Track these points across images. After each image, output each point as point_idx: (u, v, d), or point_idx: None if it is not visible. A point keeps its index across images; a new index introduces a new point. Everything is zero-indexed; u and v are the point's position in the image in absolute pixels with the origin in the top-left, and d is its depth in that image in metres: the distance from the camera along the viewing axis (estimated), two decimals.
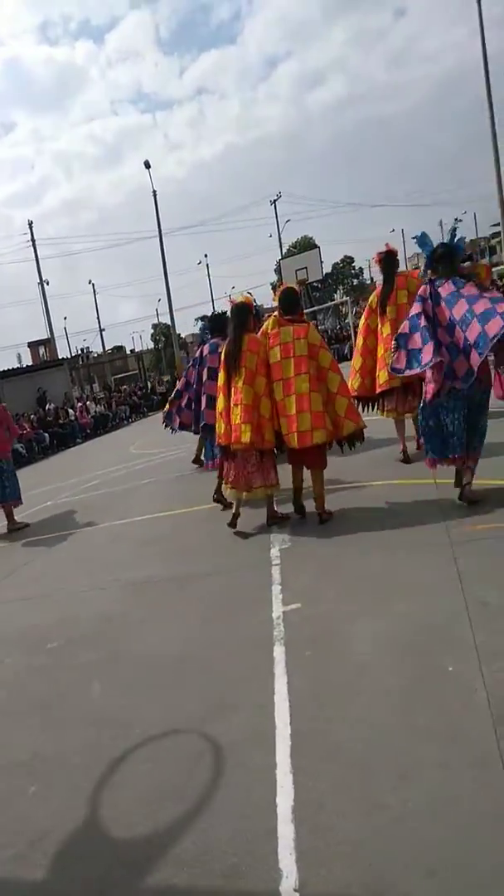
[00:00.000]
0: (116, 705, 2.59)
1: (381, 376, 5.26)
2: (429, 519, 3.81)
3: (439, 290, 3.83)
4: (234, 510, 4.51)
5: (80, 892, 1.70)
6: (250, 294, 4.87)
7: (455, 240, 3.99)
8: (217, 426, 4.54)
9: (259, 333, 4.56)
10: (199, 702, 2.45)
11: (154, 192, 27.82)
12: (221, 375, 4.44)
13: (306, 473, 4.42)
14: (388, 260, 5.30)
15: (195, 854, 1.71)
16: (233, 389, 4.28)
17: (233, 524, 4.45)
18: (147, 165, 27.21)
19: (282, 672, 2.51)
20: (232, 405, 4.27)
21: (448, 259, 3.93)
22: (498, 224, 23.41)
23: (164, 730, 2.32)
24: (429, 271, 4.06)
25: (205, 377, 5.99)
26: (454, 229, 4.30)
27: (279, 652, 2.67)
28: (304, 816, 1.75)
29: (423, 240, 4.11)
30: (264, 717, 2.23)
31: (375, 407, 5.58)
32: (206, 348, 6.16)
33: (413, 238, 4.26)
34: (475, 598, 2.71)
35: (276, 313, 4.51)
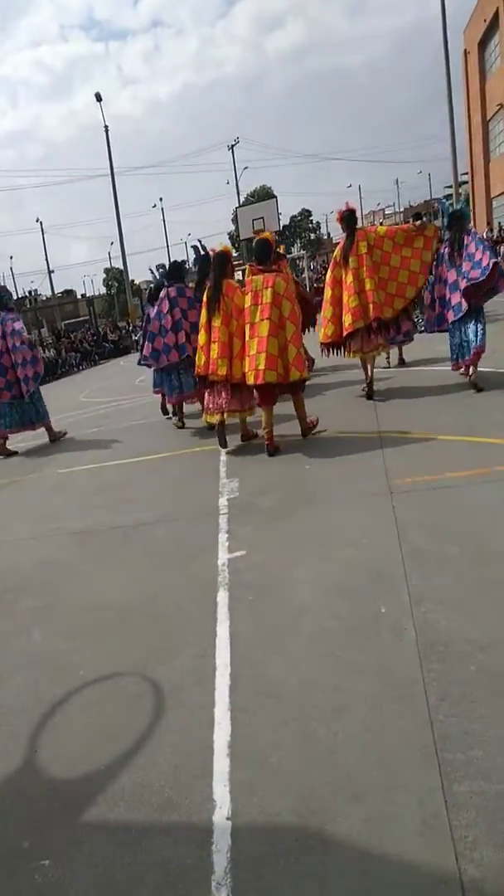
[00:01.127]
0: (57, 650, 2.58)
1: (346, 320, 5.61)
2: (371, 470, 3.89)
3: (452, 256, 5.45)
4: (219, 435, 5.05)
5: (17, 827, 1.72)
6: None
7: (462, 206, 5.90)
8: (197, 358, 5.11)
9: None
10: (141, 646, 2.47)
11: (106, 127, 26.31)
12: (203, 314, 4.98)
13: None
14: (348, 217, 5.74)
15: (131, 789, 1.75)
16: (212, 328, 4.89)
17: (222, 444, 5.04)
18: (98, 98, 25.57)
19: (224, 616, 2.55)
20: (211, 341, 4.89)
21: (460, 220, 5.49)
22: (451, 186, 23.35)
23: (104, 673, 2.34)
24: (446, 229, 5.63)
25: (178, 316, 6.10)
26: (467, 196, 7.02)
27: (223, 596, 2.71)
28: (239, 751, 1.81)
29: (444, 204, 6.48)
30: (205, 659, 2.28)
31: (344, 350, 5.87)
32: (172, 290, 6.20)
33: (437, 202, 6.48)
34: (410, 545, 2.80)
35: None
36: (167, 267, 6.96)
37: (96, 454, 6.15)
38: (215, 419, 5.00)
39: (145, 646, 2.47)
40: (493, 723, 1.71)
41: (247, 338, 4.75)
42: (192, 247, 7.12)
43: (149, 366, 6.78)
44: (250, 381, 4.70)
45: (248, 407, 5.06)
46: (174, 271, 6.56)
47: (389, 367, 7.26)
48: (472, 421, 4.46)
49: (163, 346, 6.23)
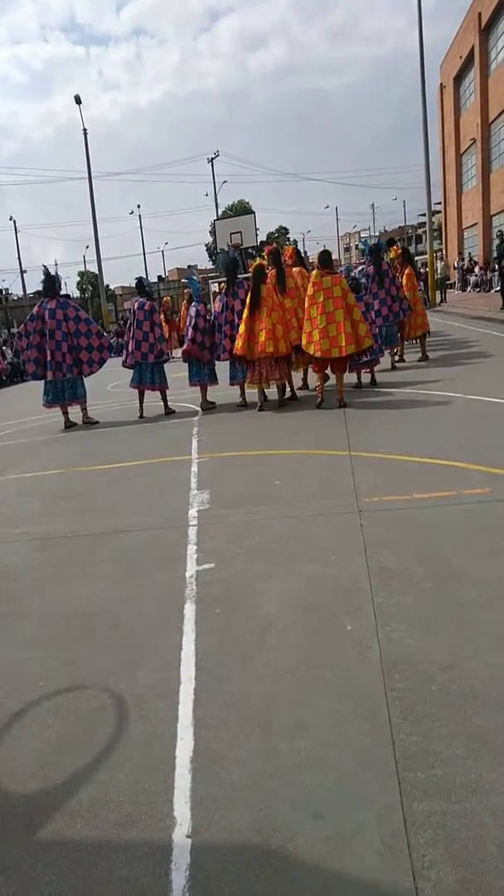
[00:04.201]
0: (16, 659, 2.52)
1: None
2: (341, 488, 3.93)
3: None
4: (258, 400, 6.98)
5: None
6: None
7: (377, 242, 9.35)
8: (246, 346, 6.69)
9: (312, 277, 6.73)
10: (104, 657, 2.44)
11: (84, 130, 26.18)
12: (246, 311, 6.79)
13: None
14: (275, 254, 7.41)
15: (90, 805, 1.72)
16: (256, 320, 6.70)
17: (260, 408, 6.92)
18: (78, 101, 25.46)
19: (191, 629, 2.54)
20: (258, 330, 6.66)
21: (376, 250, 8.73)
22: (424, 214, 24.06)
23: (66, 685, 2.29)
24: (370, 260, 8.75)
25: (135, 327, 7.73)
26: (379, 240, 10.60)
27: (189, 609, 2.70)
28: (201, 766, 1.79)
29: (378, 244, 9.14)
30: (170, 673, 2.26)
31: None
32: (135, 304, 7.86)
33: (370, 240, 9.40)
34: (377, 563, 2.84)
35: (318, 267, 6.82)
36: (136, 282, 8.48)
37: (65, 459, 6.06)
38: (260, 386, 6.83)
39: (108, 657, 2.43)
40: (453, 742, 1.74)
41: (323, 323, 6.32)
42: (221, 250, 8.57)
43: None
44: (334, 354, 6.31)
45: (282, 375, 6.87)
46: (140, 287, 8.18)
47: (361, 388, 7.39)
48: (441, 444, 4.56)
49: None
